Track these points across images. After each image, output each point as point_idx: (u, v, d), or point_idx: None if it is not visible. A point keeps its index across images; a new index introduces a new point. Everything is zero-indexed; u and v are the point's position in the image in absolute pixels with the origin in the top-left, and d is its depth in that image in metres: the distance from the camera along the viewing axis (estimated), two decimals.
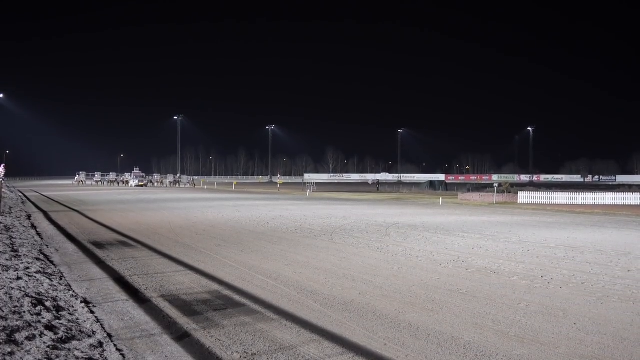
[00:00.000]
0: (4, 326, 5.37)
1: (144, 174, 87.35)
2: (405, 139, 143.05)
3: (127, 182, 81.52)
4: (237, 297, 7.65)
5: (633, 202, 34.44)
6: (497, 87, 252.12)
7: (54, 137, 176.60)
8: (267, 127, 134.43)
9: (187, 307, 7.10)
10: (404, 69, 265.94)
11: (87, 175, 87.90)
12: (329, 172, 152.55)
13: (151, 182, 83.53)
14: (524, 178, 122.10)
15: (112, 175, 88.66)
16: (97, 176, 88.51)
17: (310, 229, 16.74)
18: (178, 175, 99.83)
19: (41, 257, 10.49)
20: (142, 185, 74.05)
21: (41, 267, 9.10)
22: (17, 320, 5.63)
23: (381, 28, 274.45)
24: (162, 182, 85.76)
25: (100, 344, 5.44)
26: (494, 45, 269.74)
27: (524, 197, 36.20)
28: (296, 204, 31.59)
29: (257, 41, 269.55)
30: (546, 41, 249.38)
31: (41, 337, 5.25)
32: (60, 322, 5.92)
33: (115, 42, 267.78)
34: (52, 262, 10.31)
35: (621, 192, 38.50)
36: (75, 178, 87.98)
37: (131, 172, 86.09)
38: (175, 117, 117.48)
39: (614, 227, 18.88)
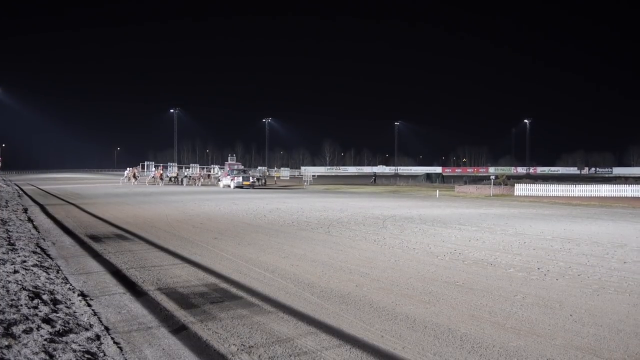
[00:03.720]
0: (1, 319, 5.37)
1: (244, 168, 56.39)
2: (402, 131, 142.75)
3: (218, 179, 51.73)
4: (234, 290, 7.66)
5: (629, 194, 34.51)
6: (493, 80, 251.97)
7: (48, 130, 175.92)
8: (264, 120, 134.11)
9: (184, 300, 7.10)
10: (400, 63, 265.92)
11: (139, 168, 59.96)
12: (326, 165, 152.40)
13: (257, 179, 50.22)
14: (521, 170, 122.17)
15: (194, 169, 60.00)
16: (172, 170, 59.93)
17: (307, 222, 16.75)
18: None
19: (38, 250, 10.48)
20: (248, 186, 43.59)
21: (38, 261, 9.10)
22: (14, 314, 5.64)
23: (377, 23, 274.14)
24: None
25: (98, 337, 5.45)
26: (491, 39, 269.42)
27: (520, 189, 36.25)
28: (293, 197, 31.59)
29: (254, 37, 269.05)
30: (543, 34, 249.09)
31: (38, 331, 5.25)
32: (58, 315, 5.93)
33: (112, 39, 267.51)
34: (48, 255, 10.30)
35: (617, 184, 38.57)
36: (125, 173, 59.81)
37: (222, 164, 58.60)
38: (172, 110, 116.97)
39: (610, 219, 18.92)
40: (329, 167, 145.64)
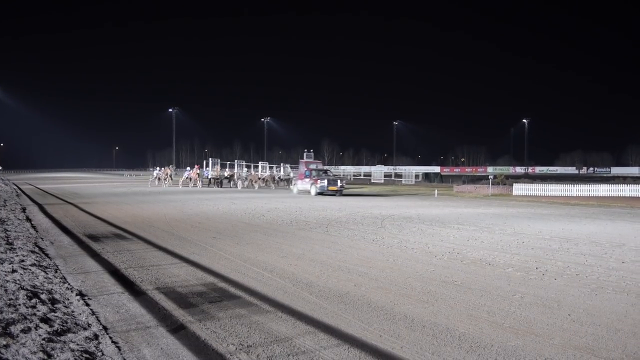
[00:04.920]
0: None
1: (324, 167, 43.68)
2: (400, 131, 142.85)
3: (291, 182, 42.25)
4: (232, 289, 7.65)
5: (627, 194, 34.57)
6: (492, 79, 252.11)
7: (46, 130, 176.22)
8: (263, 120, 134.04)
9: (183, 300, 7.10)
10: (399, 62, 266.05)
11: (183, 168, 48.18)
12: (324, 164, 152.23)
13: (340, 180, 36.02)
14: (519, 170, 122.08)
15: (284, 168, 49.68)
16: (220, 169, 47.50)
17: (305, 221, 16.75)
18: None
19: (36, 249, 10.47)
20: (334, 192, 33.82)
21: (36, 260, 9.08)
22: (12, 313, 5.63)
23: (375, 21, 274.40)
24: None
25: (96, 336, 5.44)
26: (489, 39, 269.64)
27: (518, 189, 36.30)
28: (291, 196, 31.59)
29: (251, 36, 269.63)
30: (540, 34, 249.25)
31: (36, 330, 5.24)
32: (56, 314, 5.92)
33: (110, 39, 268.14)
34: (47, 254, 10.28)
35: (615, 183, 38.61)
36: (155, 173, 50.42)
37: (299, 160, 46.02)
38: (170, 110, 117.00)
39: (608, 219, 18.95)
40: (328, 167, 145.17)
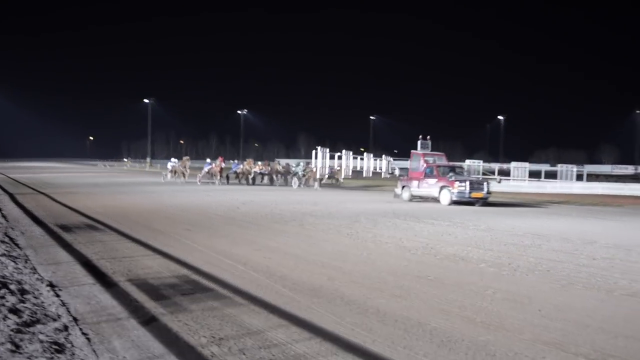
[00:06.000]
0: None
1: (454, 163, 33.69)
2: (377, 125, 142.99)
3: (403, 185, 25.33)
4: (205, 282, 7.61)
5: (600, 192, 35.08)
6: (468, 72, 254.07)
7: (19, 119, 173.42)
8: (239, 112, 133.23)
9: (155, 292, 7.04)
10: (374, 54, 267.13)
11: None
12: (300, 158, 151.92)
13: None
14: (494, 166, 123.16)
15: (389, 163, 41.52)
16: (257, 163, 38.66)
17: (280, 215, 16.72)
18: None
19: (6, 239, 10.30)
20: (477, 200, 22.29)
21: (6, 250, 8.94)
22: None
23: (349, 14, 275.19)
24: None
25: (66, 327, 5.37)
26: (467, 31, 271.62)
27: (493, 185, 36.60)
28: (267, 190, 31.53)
29: (229, 31, 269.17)
30: (520, 28, 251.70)
31: (5, 321, 5.16)
32: (25, 305, 5.83)
33: (93, 38, 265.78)
34: (17, 245, 10.12)
35: (589, 181, 39.20)
36: (169, 166, 40.71)
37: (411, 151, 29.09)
38: (146, 100, 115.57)
39: (580, 216, 19.24)
40: (304, 160, 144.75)
